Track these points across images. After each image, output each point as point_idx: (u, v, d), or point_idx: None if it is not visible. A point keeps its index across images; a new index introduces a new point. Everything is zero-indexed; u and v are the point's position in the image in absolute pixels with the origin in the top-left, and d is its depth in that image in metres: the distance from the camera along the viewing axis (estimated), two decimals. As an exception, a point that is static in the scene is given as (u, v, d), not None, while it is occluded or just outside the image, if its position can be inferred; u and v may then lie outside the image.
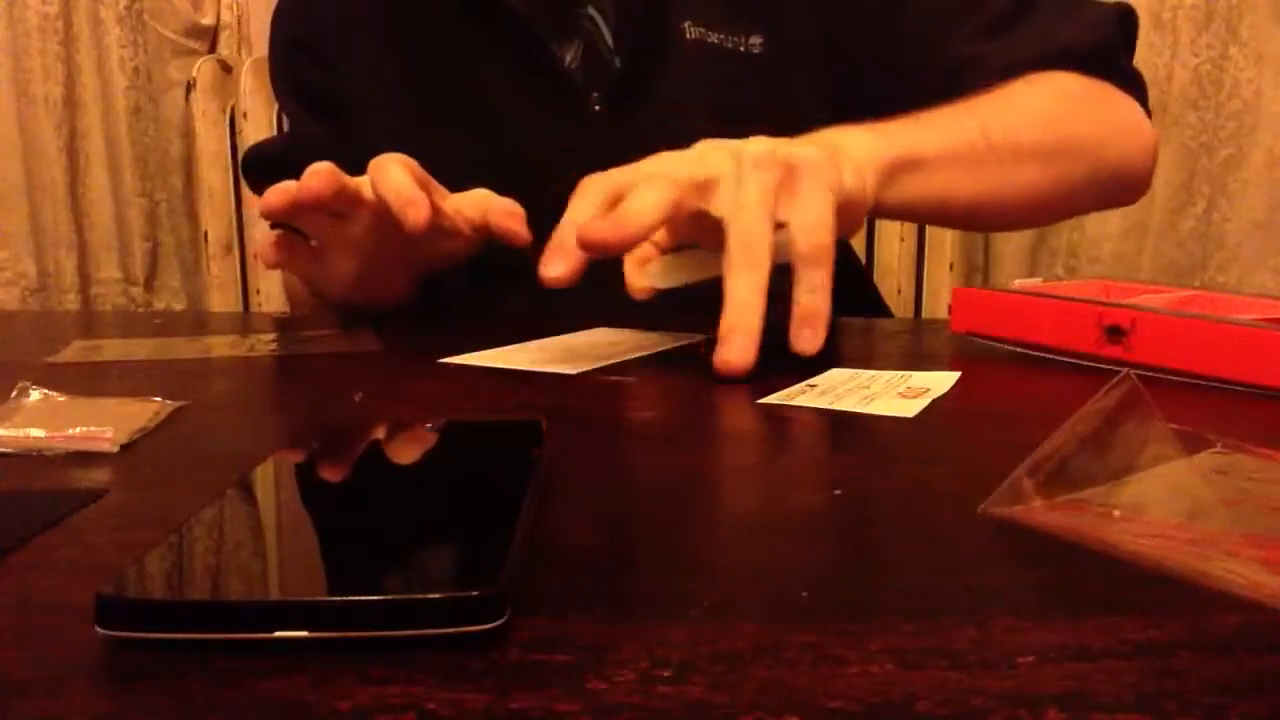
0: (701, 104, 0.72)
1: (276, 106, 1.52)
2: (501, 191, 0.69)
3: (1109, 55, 0.72)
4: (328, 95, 0.82)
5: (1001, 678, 0.22)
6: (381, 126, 0.81)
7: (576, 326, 0.65)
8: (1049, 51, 0.69)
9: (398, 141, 0.80)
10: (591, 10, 0.77)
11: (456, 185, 0.73)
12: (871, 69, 0.75)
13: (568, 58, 0.77)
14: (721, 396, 0.49)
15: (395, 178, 0.58)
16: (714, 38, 0.76)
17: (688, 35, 0.76)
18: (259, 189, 0.87)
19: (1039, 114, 0.67)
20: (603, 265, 0.56)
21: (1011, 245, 1.55)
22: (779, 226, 0.50)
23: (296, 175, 0.80)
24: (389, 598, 0.23)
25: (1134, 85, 0.75)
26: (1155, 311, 0.52)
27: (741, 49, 0.76)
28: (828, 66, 0.77)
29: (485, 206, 0.62)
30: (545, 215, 0.68)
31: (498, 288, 0.78)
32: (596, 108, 0.77)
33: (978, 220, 0.70)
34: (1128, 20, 0.74)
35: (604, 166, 0.56)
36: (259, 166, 0.86)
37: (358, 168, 0.70)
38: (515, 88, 0.78)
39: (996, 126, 0.63)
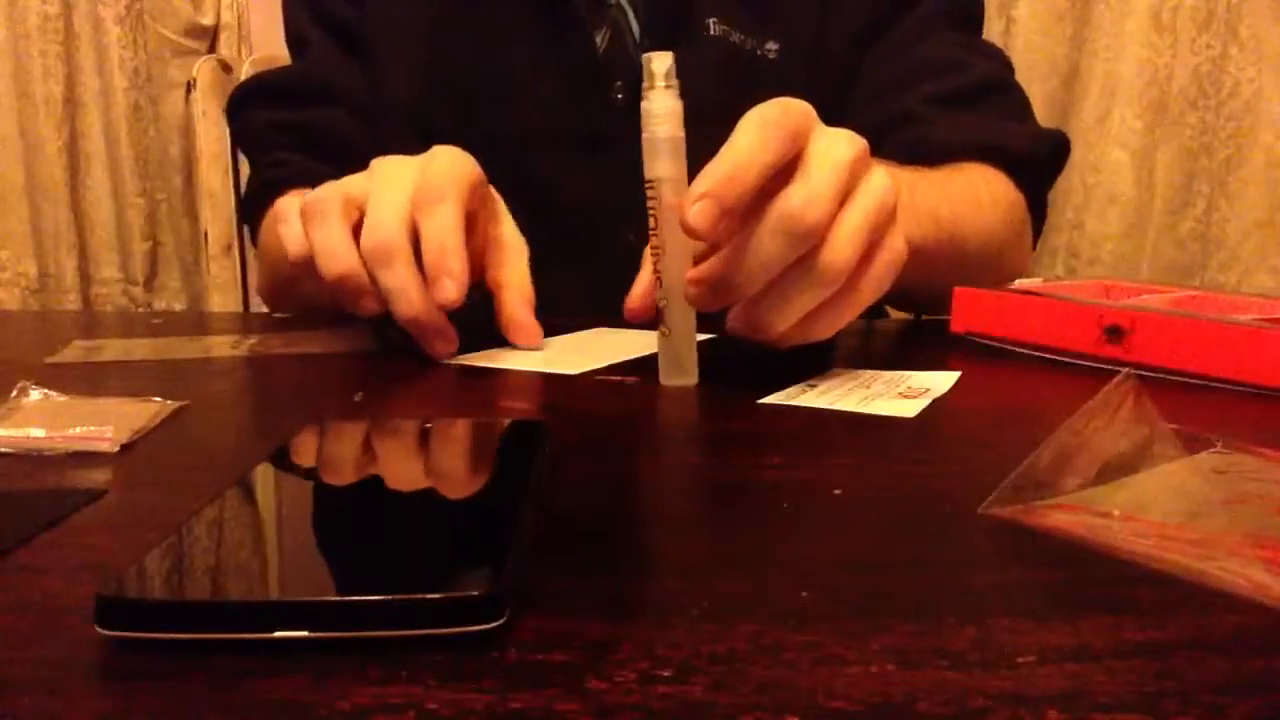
0: (718, 103, 0.72)
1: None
2: (514, 167, 0.69)
3: (1040, 172, 0.74)
4: (355, 29, 0.80)
5: (1001, 678, 0.22)
6: (406, 84, 0.79)
7: (576, 327, 0.65)
8: (993, 146, 0.71)
9: (420, 102, 0.78)
10: (622, 0, 0.77)
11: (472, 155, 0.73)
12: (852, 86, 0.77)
13: (597, 44, 0.78)
14: (721, 396, 0.49)
15: (418, 304, 0.51)
16: (735, 37, 0.77)
17: (711, 31, 0.76)
18: (253, 119, 0.80)
19: (991, 231, 0.69)
20: (605, 270, 0.56)
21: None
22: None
23: (318, 100, 0.78)
24: (389, 598, 0.23)
25: (1041, 208, 0.76)
26: (1155, 311, 0.52)
27: (759, 52, 0.77)
28: (828, 80, 0.78)
29: (502, 280, 0.57)
30: (553, 197, 0.68)
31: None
32: (618, 96, 0.77)
33: (902, 300, 0.75)
34: (1062, 148, 0.75)
35: (618, 157, 0.56)
36: (267, 95, 0.81)
37: (376, 117, 0.68)
38: (544, 66, 0.78)
39: (955, 229, 0.64)
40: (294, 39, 0.84)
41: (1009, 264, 0.73)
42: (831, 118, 0.55)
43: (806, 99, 0.58)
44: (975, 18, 0.82)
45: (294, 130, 0.79)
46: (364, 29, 0.80)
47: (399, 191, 0.51)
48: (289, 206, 0.54)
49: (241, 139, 0.90)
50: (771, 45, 0.77)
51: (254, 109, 0.82)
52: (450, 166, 0.53)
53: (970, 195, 0.68)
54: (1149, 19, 1.47)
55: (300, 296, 0.72)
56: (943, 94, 0.73)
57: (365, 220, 0.50)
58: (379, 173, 0.53)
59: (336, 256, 0.51)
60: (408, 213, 0.50)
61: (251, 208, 0.79)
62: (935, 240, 0.61)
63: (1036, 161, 0.74)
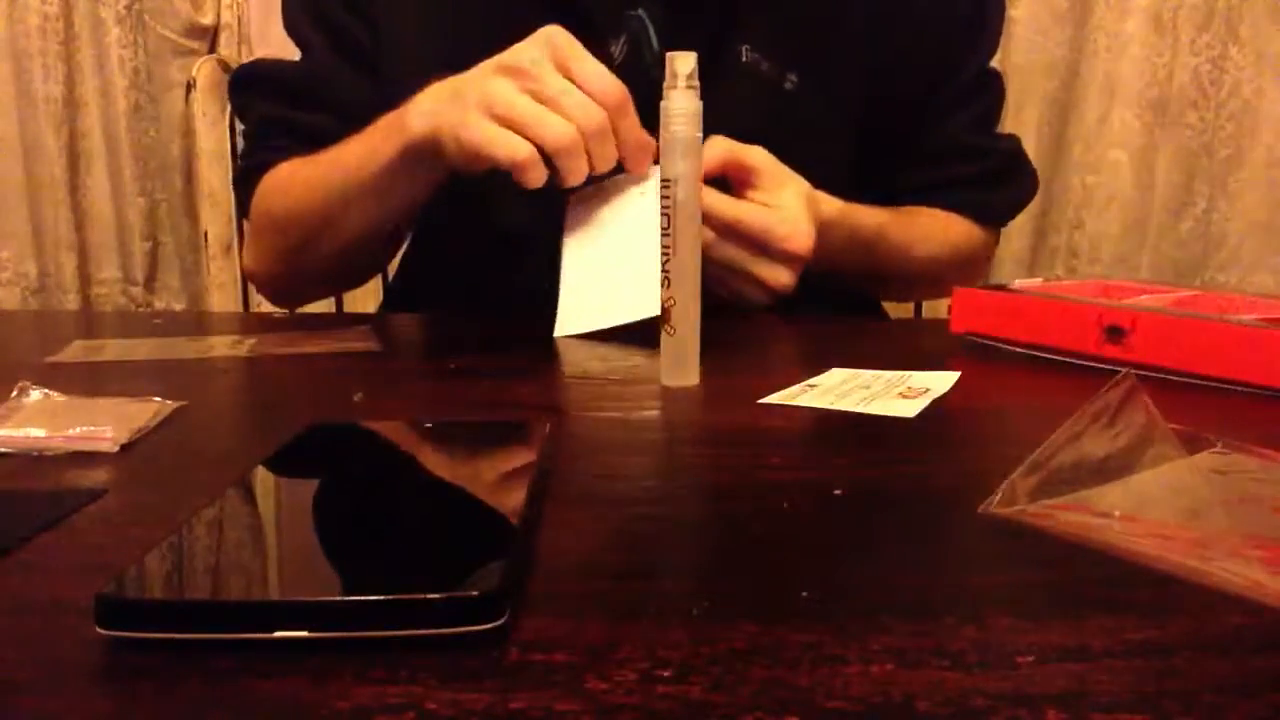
0: (740, 129, 0.72)
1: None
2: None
3: (1003, 223, 0.92)
4: (358, 42, 0.80)
5: (1001, 678, 0.22)
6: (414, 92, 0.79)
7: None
8: (978, 213, 0.87)
9: None
10: (641, 12, 0.76)
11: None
12: (896, 125, 0.83)
13: (614, 53, 0.77)
14: (722, 396, 0.49)
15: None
16: (765, 66, 0.76)
17: (744, 59, 0.76)
18: (251, 105, 0.83)
19: (938, 265, 0.85)
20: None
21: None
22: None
23: (311, 103, 0.79)
24: (389, 598, 0.23)
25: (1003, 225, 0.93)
26: (1155, 311, 0.52)
27: (783, 83, 0.77)
28: (855, 119, 0.80)
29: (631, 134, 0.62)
30: (564, 207, 0.68)
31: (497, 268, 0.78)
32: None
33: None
34: (1029, 200, 0.91)
35: None
36: (266, 86, 0.82)
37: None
38: None
39: (905, 256, 0.81)
40: (293, 34, 0.84)
41: (953, 276, 0.86)
42: (842, 152, 0.76)
43: (821, 131, 0.76)
44: (999, 90, 0.91)
45: (287, 127, 0.80)
46: (373, 45, 0.80)
47: (576, 91, 0.59)
48: (484, 125, 0.58)
49: (240, 116, 0.91)
50: (791, 76, 0.77)
51: (253, 97, 0.84)
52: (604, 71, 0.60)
53: (923, 226, 0.84)
54: (1149, 19, 1.47)
55: (314, 254, 0.74)
56: (968, 178, 0.85)
57: (569, 109, 0.58)
58: (547, 80, 0.58)
59: (555, 124, 0.58)
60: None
61: (248, 181, 0.80)
62: (885, 259, 0.79)
63: (1002, 219, 0.92)
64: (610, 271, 0.62)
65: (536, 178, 0.57)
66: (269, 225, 0.80)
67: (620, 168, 0.62)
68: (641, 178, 0.63)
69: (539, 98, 0.58)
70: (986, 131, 0.88)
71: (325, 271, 0.78)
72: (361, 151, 0.68)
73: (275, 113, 0.81)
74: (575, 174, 0.58)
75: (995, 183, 0.87)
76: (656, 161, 0.57)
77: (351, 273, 0.84)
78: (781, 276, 0.66)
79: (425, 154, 0.62)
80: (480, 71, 0.60)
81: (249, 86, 0.84)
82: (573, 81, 0.58)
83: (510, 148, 0.57)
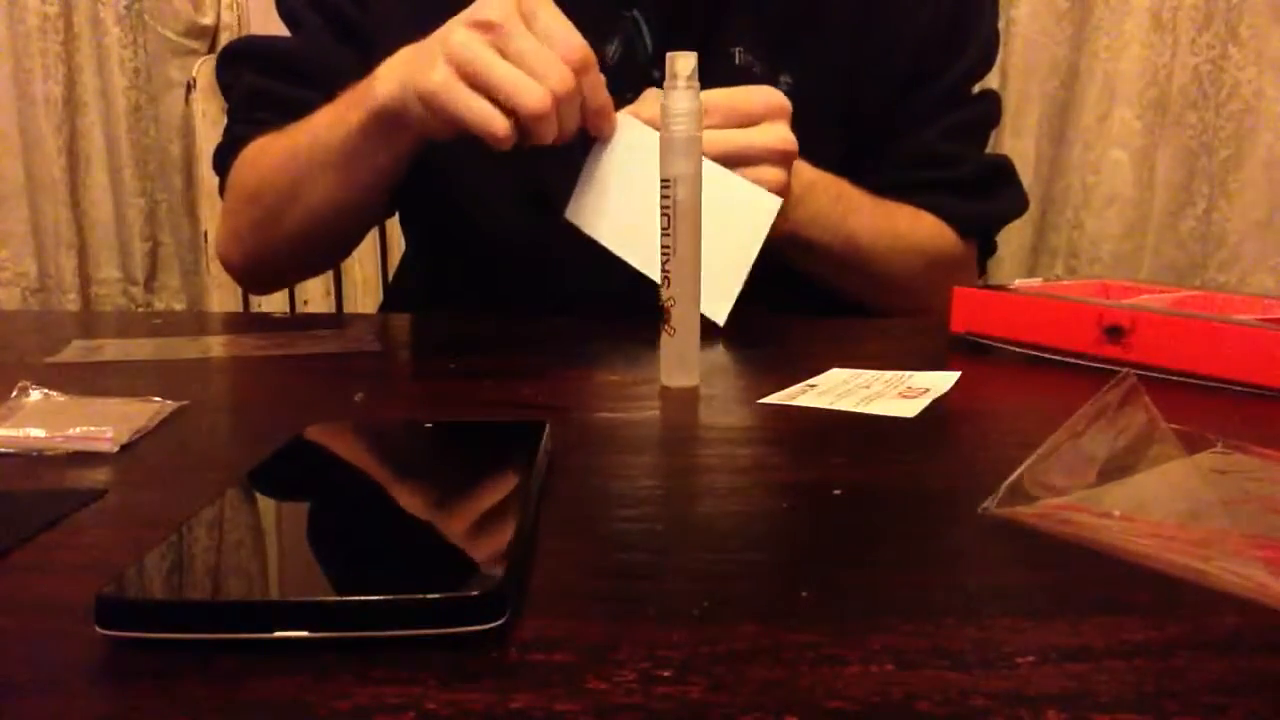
0: None
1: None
2: (518, 174, 0.69)
3: (979, 234, 0.87)
4: (352, 21, 0.79)
5: (1001, 678, 0.22)
6: None
7: (584, 327, 0.65)
8: (958, 220, 0.83)
9: None
10: (636, 13, 0.77)
11: (475, 165, 0.72)
12: (873, 129, 0.81)
13: (608, 53, 0.77)
14: (722, 396, 0.49)
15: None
16: (758, 68, 0.77)
17: (737, 60, 0.76)
18: (239, 81, 0.81)
19: (908, 253, 0.81)
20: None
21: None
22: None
23: (301, 79, 0.78)
24: (389, 598, 0.23)
25: (990, 247, 0.89)
26: (1155, 311, 0.52)
27: (777, 85, 0.77)
28: (843, 118, 0.80)
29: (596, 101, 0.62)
30: (560, 205, 0.68)
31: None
32: None
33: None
34: (1011, 216, 0.89)
35: None
36: (256, 60, 0.82)
37: None
38: None
39: (873, 226, 0.77)
40: (287, 14, 0.84)
41: (925, 277, 0.82)
42: (834, 150, 0.71)
43: (814, 133, 0.69)
44: (989, 110, 0.88)
45: (272, 101, 0.79)
46: (366, 26, 0.80)
47: (545, 50, 0.58)
48: (456, 90, 0.57)
49: (227, 93, 0.90)
50: (785, 79, 0.77)
51: (242, 71, 0.83)
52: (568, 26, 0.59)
53: (889, 207, 0.79)
54: (1149, 19, 1.47)
55: (282, 227, 0.73)
56: (938, 183, 0.82)
57: (541, 70, 0.57)
58: (517, 36, 0.57)
59: (532, 90, 0.57)
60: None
61: (226, 158, 0.79)
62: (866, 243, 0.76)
63: (976, 230, 0.86)
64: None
65: (507, 144, 0.57)
66: (242, 196, 0.78)
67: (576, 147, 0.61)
68: (624, 143, 0.62)
69: (508, 54, 0.56)
70: (964, 142, 0.85)
71: (293, 247, 0.76)
72: (329, 119, 0.68)
73: (261, 85, 0.80)
74: (545, 137, 0.58)
75: (970, 192, 0.84)
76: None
77: (320, 251, 0.81)
78: (777, 133, 0.64)
79: (392, 120, 0.61)
80: (447, 28, 0.59)
81: (238, 60, 0.83)
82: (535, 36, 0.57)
83: (487, 119, 0.56)
